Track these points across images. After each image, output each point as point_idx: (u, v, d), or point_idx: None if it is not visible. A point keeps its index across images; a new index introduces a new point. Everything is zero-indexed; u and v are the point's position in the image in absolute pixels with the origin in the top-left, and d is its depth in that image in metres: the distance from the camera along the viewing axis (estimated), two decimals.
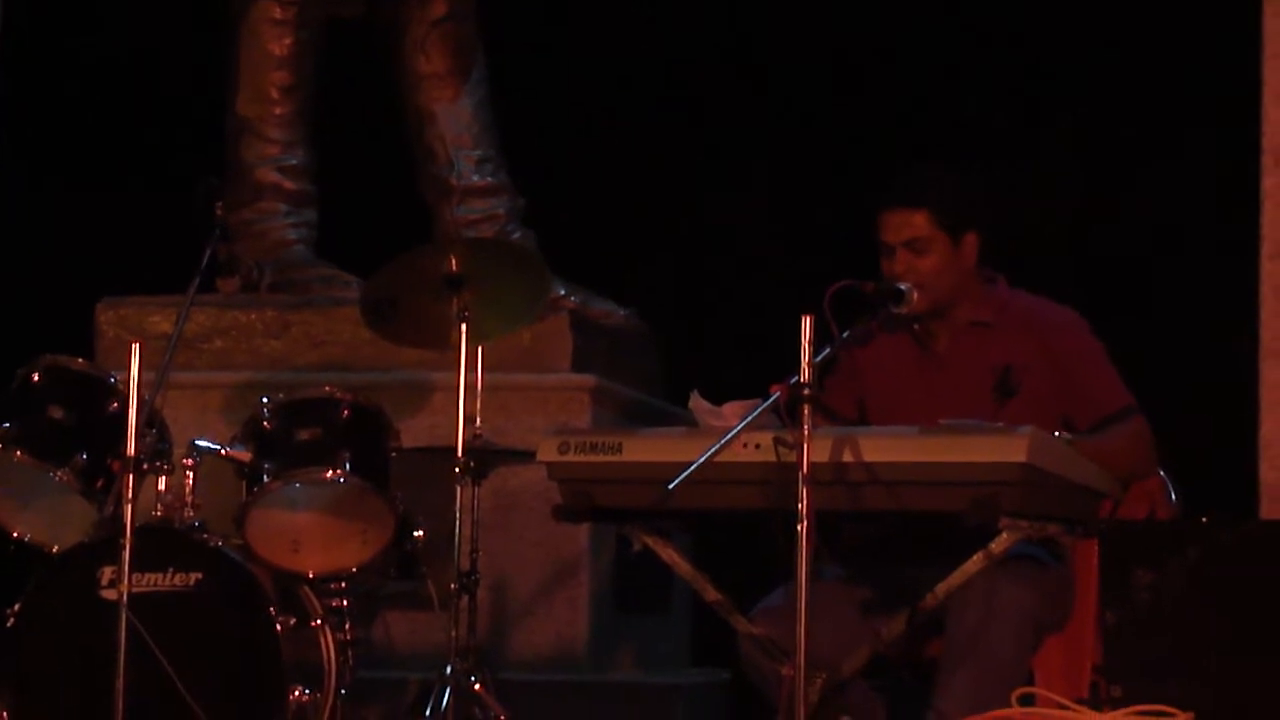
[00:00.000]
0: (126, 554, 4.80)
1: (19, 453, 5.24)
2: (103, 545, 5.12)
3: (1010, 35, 7.32)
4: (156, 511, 5.23)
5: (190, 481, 5.25)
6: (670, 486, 4.06)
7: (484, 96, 7.15)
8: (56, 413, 5.31)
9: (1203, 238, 6.93)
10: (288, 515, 5.32)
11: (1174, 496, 4.68)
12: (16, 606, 5.17)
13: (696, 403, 4.46)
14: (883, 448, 4.21)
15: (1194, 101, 7.03)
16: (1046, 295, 4.79)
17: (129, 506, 4.83)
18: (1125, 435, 4.59)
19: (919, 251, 4.66)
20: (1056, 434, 4.37)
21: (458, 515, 5.28)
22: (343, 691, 5.23)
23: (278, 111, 7.06)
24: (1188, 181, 7.05)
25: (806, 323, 4.07)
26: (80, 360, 5.47)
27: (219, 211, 5.52)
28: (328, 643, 5.22)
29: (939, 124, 7.17)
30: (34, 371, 5.36)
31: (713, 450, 4.12)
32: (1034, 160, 7.18)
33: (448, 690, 5.20)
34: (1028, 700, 3.88)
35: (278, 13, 7.02)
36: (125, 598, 4.81)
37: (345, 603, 5.35)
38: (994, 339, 4.70)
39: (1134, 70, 7.19)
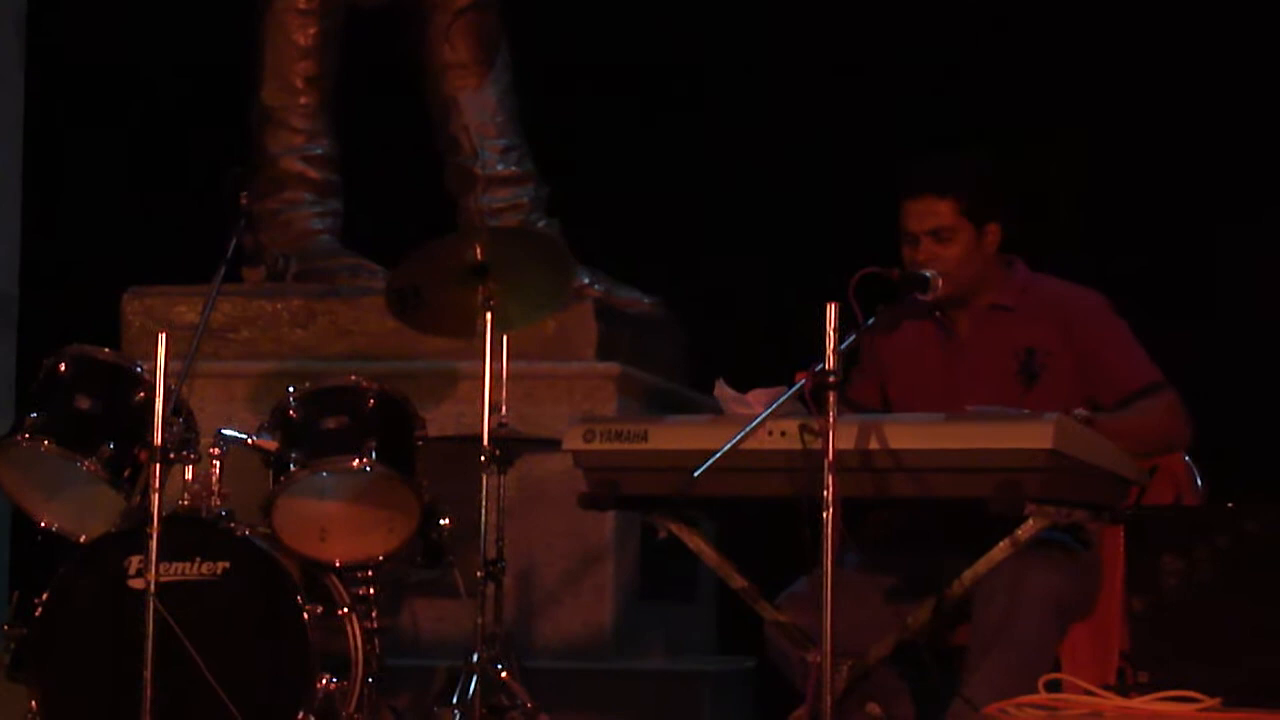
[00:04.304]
0: (154, 543, 4.82)
1: (46, 442, 5.25)
2: (130, 535, 5.13)
3: (1031, 23, 7.31)
4: (183, 501, 5.24)
5: (217, 471, 5.26)
6: (695, 474, 4.06)
7: (508, 85, 7.15)
8: (83, 402, 5.32)
9: (1226, 221, 6.92)
10: (314, 504, 5.33)
11: (1200, 482, 4.68)
12: (44, 596, 5.18)
13: (722, 390, 4.46)
14: (908, 435, 4.21)
15: (1218, 84, 7.03)
16: (1069, 278, 4.79)
17: (156, 496, 4.84)
18: (1151, 409, 4.58)
19: (943, 240, 4.66)
20: (1077, 411, 4.37)
21: (483, 503, 5.29)
22: (370, 679, 5.24)
23: (303, 101, 7.08)
24: (1210, 163, 7.04)
25: (831, 310, 4.08)
26: (107, 350, 5.47)
27: (244, 201, 5.53)
28: (355, 631, 5.23)
29: (960, 112, 7.16)
30: (61, 361, 5.37)
31: (738, 438, 4.13)
32: (1051, 146, 7.16)
33: (474, 678, 5.21)
34: (1055, 686, 3.88)
35: (302, 3, 7.03)
36: (153, 587, 4.82)
37: (372, 591, 5.36)
38: (1016, 323, 4.70)
39: (1155, 59, 7.18)
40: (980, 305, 4.73)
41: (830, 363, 4.06)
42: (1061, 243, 6.47)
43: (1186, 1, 7.06)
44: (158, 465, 4.85)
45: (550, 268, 5.52)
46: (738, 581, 4.49)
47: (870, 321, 4.40)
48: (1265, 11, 6.89)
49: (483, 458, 5.29)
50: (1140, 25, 7.17)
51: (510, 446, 5.38)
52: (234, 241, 5.47)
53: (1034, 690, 3.87)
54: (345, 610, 5.24)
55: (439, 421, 5.74)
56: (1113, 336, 4.69)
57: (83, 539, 5.31)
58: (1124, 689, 3.79)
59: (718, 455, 4.09)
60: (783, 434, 4.22)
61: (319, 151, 7.11)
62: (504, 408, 5.37)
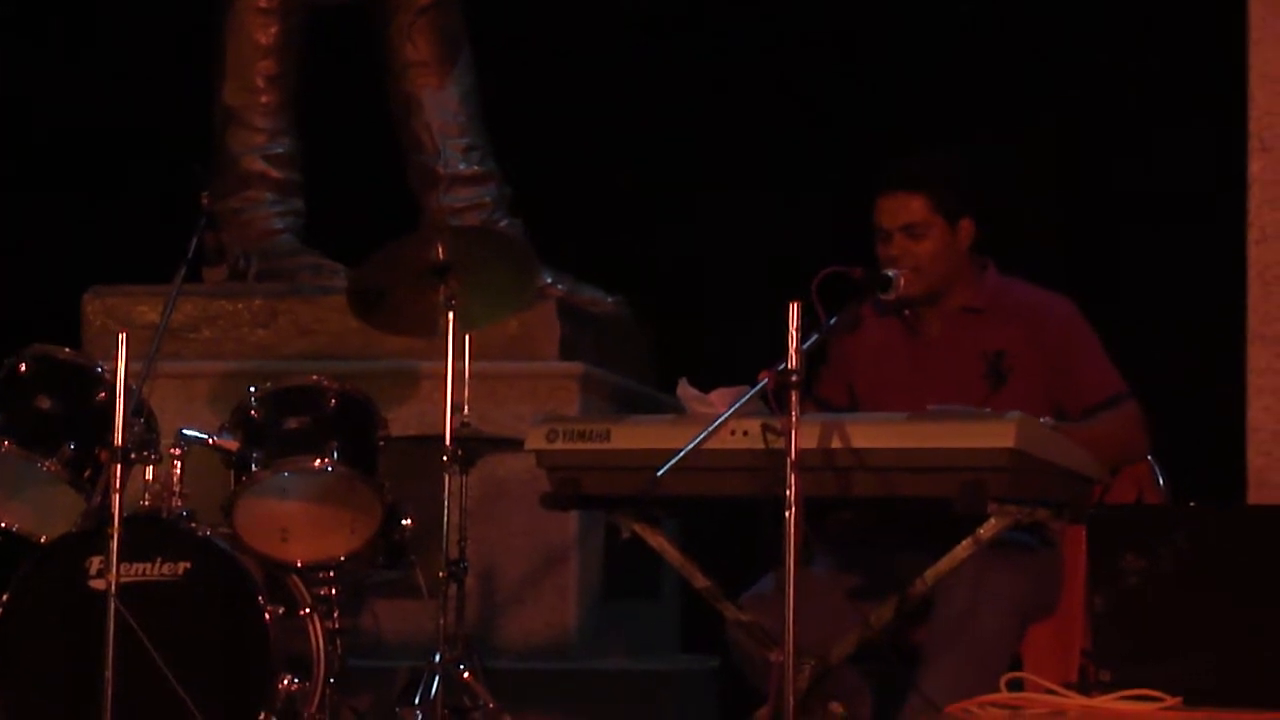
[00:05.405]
0: (114, 544, 4.79)
1: (6, 443, 5.23)
2: (91, 535, 5.11)
3: (999, 23, 7.32)
4: (144, 501, 5.22)
5: (178, 471, 5.24)
6: (659, 473, 4.06)
7: (471, 84, 7.14)
8: (44, 403, 5.30)
9: (1190, 223, 6.94)
10: (276, 504, 5.32)
11: (1162, 482, 4.69)
12: (4, 597, 5.16)
13: (684, 390, 4.46)
14: (871, 434, 4.21)
15: (1181, 87, 7.04)
16: (1035, 281, 4.79)
17: (117, 496, 4.82)
18: (1113, 421, 4.59)
19: (916, 236, 4.66)
20: (1041, 419, 4.37)
21: (446, 503, 5.27)
22: (331, 680, 5.23)
23: (264, 100, 7.06)
24: (1175, 167, 7.05)
25: (794, 309, 4.07)
26: (67, 350, 5.46)
27: (205, 200, 5.51)
28: (316, 632, 5.22)
29: (930, 111, 7.17)
30: (21, 361, 5.35)
31: (701, 437, 4.12)
32: (1022, 148, 7.18)
33: (436, 678, 5.19)
34: (1017, 685, 3.88)
35: (263, 1, 7.02)
36: (114, 588, 4.80)
37: (334, 591, 5.35)
38: (985, 325, 4.70)
39: (1120, 56, 7.19)
40: (951, 306, 4.73)
41: (793, 362, 4.06)
42: (1033, 241, 6.50)
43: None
44: (118, 465, 4.83)
45: (513, 267, 5.51)
46: (700, 581, 4.49)
47: (832, 321, 4.39)
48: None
49: (445, 457, 5.28)
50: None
51: (472, 446, 5.37)
52: (195, 241, 5.45)
53: (991, 688, 3.87)
54: (307, 611, 5.23)
55: (401, 421, 5.73)
56: (1081, 345, 4.69)
57: (43, 539, 5.29)
58: (1086, 687, 3.80)
59: (680, 455, 4.08)
60: (745, 433, 4.22)
61: (280, 150, 7.10)
62: (466, 407, 5.36)
